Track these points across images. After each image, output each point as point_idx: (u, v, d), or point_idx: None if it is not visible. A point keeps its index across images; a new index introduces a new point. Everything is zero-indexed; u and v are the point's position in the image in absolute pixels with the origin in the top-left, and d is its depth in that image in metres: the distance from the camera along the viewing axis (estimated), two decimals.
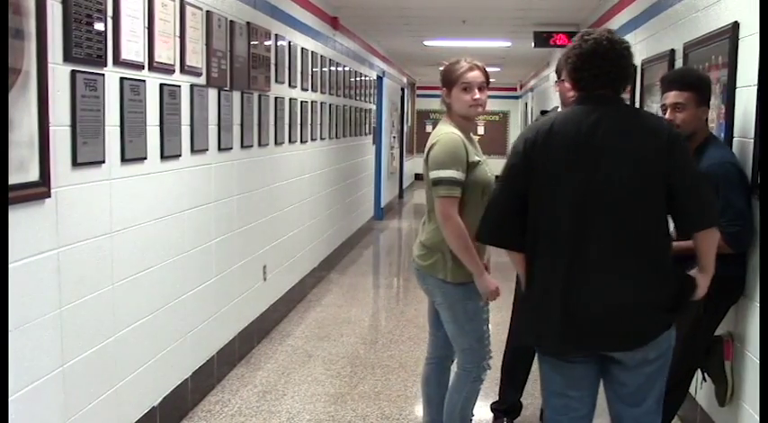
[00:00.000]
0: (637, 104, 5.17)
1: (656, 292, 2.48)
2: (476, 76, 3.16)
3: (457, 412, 3.28)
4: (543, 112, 3.96)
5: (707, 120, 3.36)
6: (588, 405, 2.67)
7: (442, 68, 3.25)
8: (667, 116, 3.23)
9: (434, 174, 3.09)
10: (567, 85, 3.62)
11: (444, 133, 3.15)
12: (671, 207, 2.48)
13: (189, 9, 3.85)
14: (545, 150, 2.52)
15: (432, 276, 3.19)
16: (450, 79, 3.18)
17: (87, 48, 2.88)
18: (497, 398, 3.98)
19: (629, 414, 2.63)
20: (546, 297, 2.54)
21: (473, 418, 3.36)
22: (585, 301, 2.48)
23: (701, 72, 3.55)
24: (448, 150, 3.08)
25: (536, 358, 3.88)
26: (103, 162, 3.07)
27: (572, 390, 2.63)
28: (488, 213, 2.69)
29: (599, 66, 2.51)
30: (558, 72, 3.74)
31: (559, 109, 3.73)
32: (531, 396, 4.18)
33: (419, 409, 3.82)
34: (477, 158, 3.15)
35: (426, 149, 3.19)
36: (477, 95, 3.16)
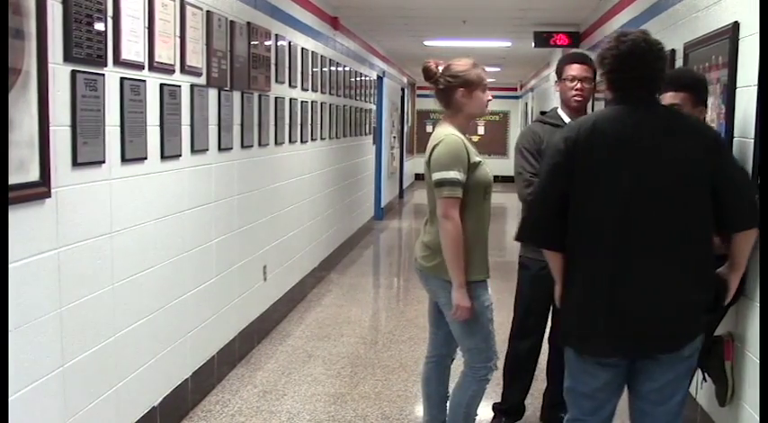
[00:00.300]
0: None
1: (698, 293, 2.53)
2: (486, 75, 3.26)
3: (461, 411, 3.28)
4: (543, 113, 3.96)
5: (704, 120, 3.36)
6: (614, 404, 2.72)
7: (442, 68, 3.22)
8: None
9: (437, 175, 3.10)
10: (568, 85, 3.63)
11: (446, 135, 3.16)
12: (715, 206, 2.51)
13: (189, 9, 3.85)
14: (589, 150, 2.52)
15: (436, 278, 3.19)
16: (473, 81, 3.19)
17: (87, 48, 2.88)
18: (500, 398, 3.98)
19: (654, 412, 2.65)
20: (590, 298, 2.54)
21: (476, 417, 3.36)
22: (632, 302, 2.49)
23: (696, 72, 3.56)
24: (450, 152, 3.10)
25: (535, 359, 3.91)
26: (104, 162, 3.07)
27: (603, 392, 2.66)
28: (533, 213, 2.69)
29: (637, 67, 2.53)
30: (558, 72, 3.74)
31: (559, 109, 3.73)
32: (532, 396, 4.18)
33: (419, 409, 3.82)
34: (477, 159, 3.17)
35: (428, 151, 3.19)
36: (490, 96, 3.28)
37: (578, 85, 3.60)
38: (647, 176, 2.48)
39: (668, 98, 3.24)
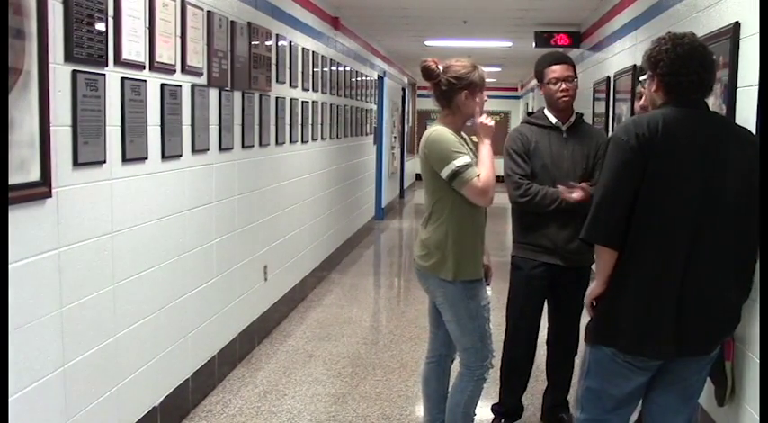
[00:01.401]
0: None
1: (740, 296, 2.61)
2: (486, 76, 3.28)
3: (460, 411, 3.28)
4: (529, 114, 3.95)
5: None
6: (635, 406, 2.74)
7: (455, 69, 3.19)
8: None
9: (446, 170, 3.08)
10: (553, 87, 3.61)
11: (432, 130, 3.20)
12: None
13: (190, 9, 3.85)
14: (663, 151, 2.49)
15: (433, 276, 3.20)
16: (476, 83, 3.19)
17: (88, 48, 2.88)
18: (498, 399, 3.98)
19: (681, 408, 2.69)
20: (656, 299, 2.53)
21: (475, 417, 3.36)
22: (697, 305, 2.52)
23: None
24: (444, 142, 3.12)
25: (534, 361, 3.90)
26: (104, 162, 3.08)
27: (632, 395, 2.68)
28: (602, 212, 2.57)
29: (698, 72, 2.53)
30: (538, 76, 3.73)
31: (545, 110, 3.73)
32: (532, 396, 4.18)
33: (420, 410, 3.82)
34: (470, 155, 3.18)
35: (421, 150, 3.20)
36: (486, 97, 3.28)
37: (563, 86, 3.61)
38: (717, 182, 2.50)
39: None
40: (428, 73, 3.22)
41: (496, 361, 3.87)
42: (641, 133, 2.51)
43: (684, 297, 2.52)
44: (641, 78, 2.76)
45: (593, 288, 2.69)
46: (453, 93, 3.18)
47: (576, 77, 3.69)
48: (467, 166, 3.07)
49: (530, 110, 15.81)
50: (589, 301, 2.72)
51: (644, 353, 2.60)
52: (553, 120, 3.65)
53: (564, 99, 3.61)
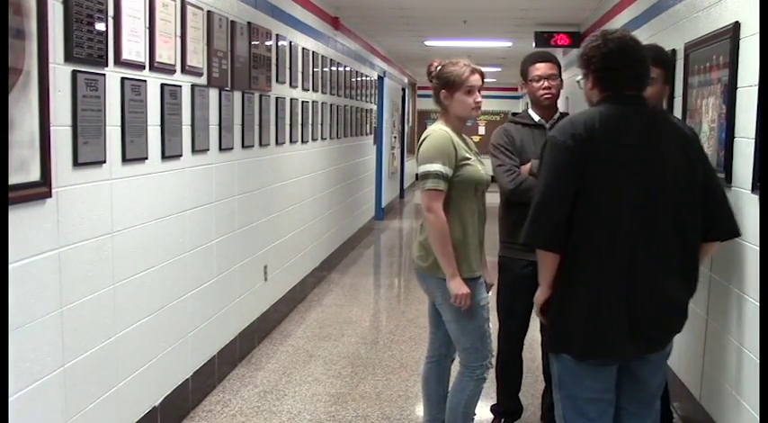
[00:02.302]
0: None
1: (686, 292, 2.58)
2: (477, 79, 3.21)
3: (459, 411, 3.28)
4: (515, 114, 3.96)
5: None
6: (614, 404, 2.67)
7: (438, 68, 3.24)
8: None
9: (421, 168, 3.14)
10: (536, 85, 3.63)
11: (433, 130, 3.22)
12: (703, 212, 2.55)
13: (190, 9, 3.85)
14: (599, 149, 2.46)
15: (432, 277, 3.20)
16: (453, 82, 3.19)
17: (88, 48, 2.88)
18: (496, 399, 3.98)
19: (640, 411, 2.65)
20: (606, 302, 2.48)
21: (475, 416, 3.36)
22: (648, 303, 2.49)
23: (668, 53, 3.57)
24: (435, 145, 3.14)
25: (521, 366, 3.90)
26: (104, 162, 3.08)
27: (606, 392, 2.62)
28: (542, 215, 2.52)
29: (629, 65, 2.51)
30: (523, 74, 3.75)
31: (529, 109, 3.74)
32: (532, 396, 4.19)
33: (420, 410, 3.82)
34: (467, 155, 3.18)
35: (417, 148, 3.24)
36: (479, 98, 3.23)
37: (546, 84, 3.62)
38: (657, 179, 2.47)
39: None
40: (427, 72, 3.31)
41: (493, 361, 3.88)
42: (577, 133, 2.47)
43: (633, 296, 2.47)
44: (577, 79, 2.76)
45: (539, 294, 2.66)
46: (436, 92, 3.25)
47: (561, 76, 3.71)
48: (438, 174, 3.09)
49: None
50: (538, 307, 2.68)
51: (598, 356, 2.56)
52: (537, 118, 3.68)
53: (547, 96, 3.63)
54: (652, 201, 2.47)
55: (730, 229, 2.62)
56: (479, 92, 3.22)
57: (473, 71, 3.19)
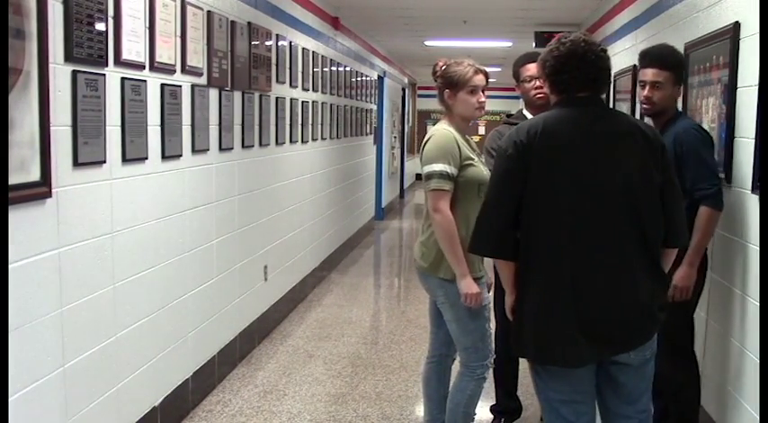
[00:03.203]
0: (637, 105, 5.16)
1: (654, 291, 2.51)
2: (481, 79, 3.22)
3: (460, 411, 3.28)
4: (509, 116, 3.96)
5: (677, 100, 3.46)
6: (593, 403, 2.64)
7: (442, 67, 3.24)
8: (645, 93, 3.32)
9: (426, 168, 3.13)
10: (528, 85, 3.66)
11: (437, 129, 3.21)
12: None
13: (190, 9, 3.85)
14: (542, 154, 2.46)
15: (433, 276, 3.20)
16: (456, 82, 3.19)
17: (88, 48, 2.88)
18: (495, 399, 3.98)
19: (626, 411, 2.62)
20: (552, 305, 2.47)
21: (475, 416, 3.36)
22: (599, 305, 2.45)
23: (679, 52, 3.53)
24: (439, 145, 3.13)
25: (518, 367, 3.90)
26: (104, 162, 3.08)
27: (579, 394, 2.58)
28: (485, 224, 2.57)
29: (578, 68, 2.51)
30: (515, 75, 3.77)
31: (524, 111, 3.75)
32: (532, 396, 4.18)
33: (420, 410, 3.82)
34: (471, 155, 3.18)
35: (421, 148, 3.23)
36: (483, 98, 3.24)
37: (537, 84, 3.62)
38: (601, 181, 2.45)
39: (651, 75, 3.30)
40: (432, 73, 3.32)
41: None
42: (519, 140, 2.49)
43: (581, 298, 2.45)
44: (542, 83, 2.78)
45: (506, 298, 2.67)
46: (440, 91, 3.25)
47: None
48: (443, 174, 3.09)
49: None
50: (508, 311, 2.68)
51: (550, 361, 2.54)
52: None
53: (539, 96, 3.64)
54: (599, 201, 2.45)
55: (677, 239, 2.60)
56: (483, 92, 3.22)
57: (477, 71, 3.20)
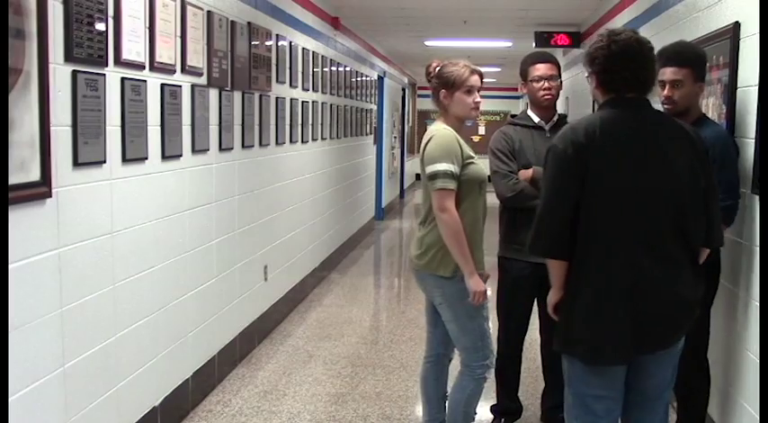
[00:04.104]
0: None
1: (697, 288, 2.59)
2: (477, 80, 3.23)
3: (460, 410, 3.28)
4: (513, 116, 3.95)
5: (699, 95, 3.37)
6: (622, 400, 2.68)
7: (437, 68, 3.25)
8: (665, 93, 3.24)
9: (430, 168, 3.13)
10: (536, 85, 3.63)
11: (437, 129, 3.22)
12: None
13: (190, 9, 3.85)
14: (601, 154, 2.47)
15: (430, 275, 3.20)
16: (453, 82, 3.20)
17: (88, 48, 2.88)
18: (496, 400, 3.98)
19: (651, 407, 2.67)
20: (607, 305, 2.50)
21: (476, 416, 3.36)
22: (652, 304, 2.50)
23: (697, 47, 3.50)
24: (442, 145, 3.13)
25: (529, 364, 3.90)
26: (104, 162, 3.08)
27: (612, 390, 2.62)
28: (545, 224, 2.56)
29: (629, 68, 2.51)
30: (522, 74, 3.75)
31: (529, 110, 3.74)
32: (532, 396, 4.19)
33: (420, 410, 3.81)
34: (471, 154, 3.20)
35: (422, 148, 3.23)
36: (478, 98, 3.25)
37: (546, 85, 3.62)
38: (656, 182, 2.49)
39: (670, 74, 3.22)
40: (426, 72, 3.32)
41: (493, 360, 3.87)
42: (577, 140, 2.49)
43: (637, 297, 2.49)
44: (586, 75, 2.76)
45: (551, 296, 2.68)
46: (436, 92, 3.26)
47: (560, 77, 3.71)
48: (447, 173, 3.09)
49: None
50: (550, 308, 2.70)
51: (601, 361, 2.57)
52: (536, 119, 3.68)
53: (546, 97, 3.63)
54: (655, 203, 2.49)
55: (717, 242, 2.68)
56: (478, 92, 3.23)
57: (473, 72, 3.21)
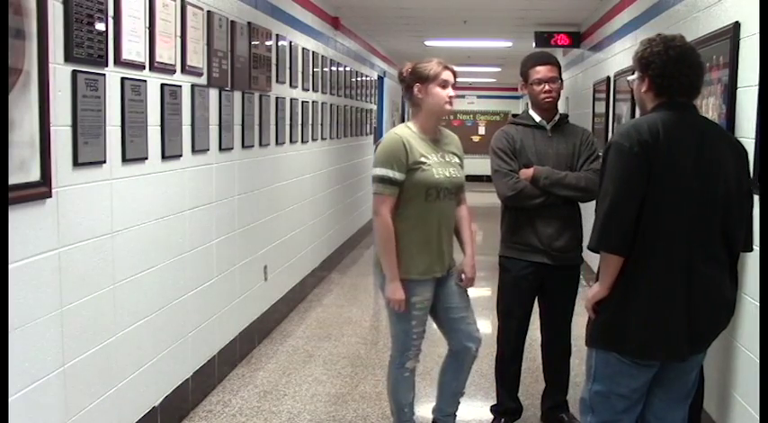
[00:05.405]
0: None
1: (735, 289, 2.68)
2: (450, 75, 3.29)
3: (391, 400, 3.47)
4: (515, 116, 3.96)
5: None
6: (643, 401, 2.75)
7: (409, 69, 3.30)
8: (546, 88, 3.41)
9: (372, 172, 3.23)
10: (537, 88, 3.64)
11: (390, 132, 3.29)
12: None
13: (190, 9, 3.85)
14: (665, 155, 2.51)
15: (380, 273, 3.34)
16: (426, 75, 3.25)
17: (88, 48, 2.88)
18: (496, 400, 3.98)
19: (678, 407, 2.75)
20: (666, 304, 2.55)
21: (415, 414, 3.46)
22: (708, 302, 2.57)
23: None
24: (384, 149, 3.22)
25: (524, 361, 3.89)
26: (104, 162, 3.08)
27: (637, 391, 2.69)
28: (612, 221, 2.56)
29: (686, 74, 2.57)
30: (523, 76, 3.76)
31: (530, 111, 3.74)
32: (532, 396, 4.18)
33: (420, 409, 3.81)
34: (423, 159, 3.20)
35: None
36: (452, 93, 3.29)
37: (546, 88, 3.63)
38: (712, 184, 2.54)
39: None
40: (398, 76, 3.37)
41: (492, 361, 3.88)
42: (644, 139, 2.51)
43: (693, 299, 2.55)
44: (629, 78, 2.78)
45: (596, 293, 2.66)
46: (410, 87, 3.29)
47: (561, 78, 3.72)
48: (383, 179, 3.17)
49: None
50: (590, 305, 2.69)
51: (656, 357, 2.63)
52: (537, 118, 3.69)
53: (547, 99, 3.64)
54: (709, 205, 2.54)
55: (751, 246, 2.76)
56: (452, 89, 3.28)
57: (446, 67, 3.27)
